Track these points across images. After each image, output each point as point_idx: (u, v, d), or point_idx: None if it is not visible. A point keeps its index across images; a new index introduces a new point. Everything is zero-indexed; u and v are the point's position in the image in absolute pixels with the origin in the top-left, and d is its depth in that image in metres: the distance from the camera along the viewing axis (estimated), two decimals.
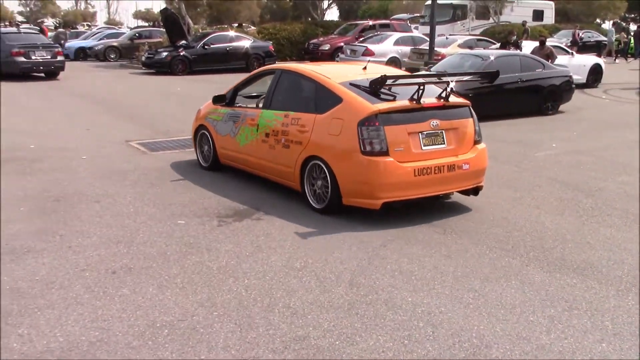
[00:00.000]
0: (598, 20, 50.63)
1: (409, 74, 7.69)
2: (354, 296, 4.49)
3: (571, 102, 14.46)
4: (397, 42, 23.88)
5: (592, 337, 3.94)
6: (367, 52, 22.94)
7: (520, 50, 17.74)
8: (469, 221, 6.28)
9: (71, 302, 4.30)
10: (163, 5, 30.98)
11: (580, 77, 18.56)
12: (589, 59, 20.47)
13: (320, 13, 48.03)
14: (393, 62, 23.09)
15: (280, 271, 4.93)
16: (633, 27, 48.99)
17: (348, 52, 24.03)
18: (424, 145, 6.27)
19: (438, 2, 20.53)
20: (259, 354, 3.69)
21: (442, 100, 6.52)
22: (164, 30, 26.24)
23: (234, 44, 24.20)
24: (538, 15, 35.87)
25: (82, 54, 31.40)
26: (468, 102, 6.92)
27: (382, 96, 6.35)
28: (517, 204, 6.96)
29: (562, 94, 13.99)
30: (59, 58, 21.37)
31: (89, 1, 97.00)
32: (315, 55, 26.86)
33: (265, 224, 6.10)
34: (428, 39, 20.82)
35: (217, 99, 8.19)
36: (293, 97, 7.26)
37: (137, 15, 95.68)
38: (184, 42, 23.77)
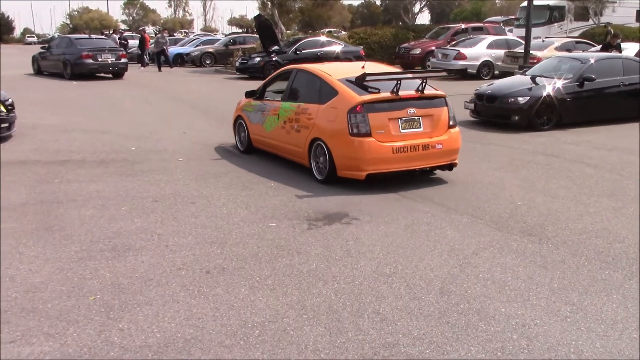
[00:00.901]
0: None
1: (391, 71, 8.83)
2: (445, 304, 4.41)
3: None
4: (490, 46, 23.30)
5: None
6: (459, 56, 22.58)
7: (621, 53, 16.93)
8: (566, 230, 6.04)
9: (168, 300, 4.46)
10: (257, 12, 31.64)
11: None
12: None
13: (411, 17, 47.69)
14: (486, 65, 22.62)
15: (370, 276, 4.92)
16: None
17: (439, 56, 23.71)
18: (402, 129, 7.64)
19: (534, 3, 19.87)
20: (348, 359, 3.69)
21: (418, 92, 7.82)
22: (257, 36, 26.80)
23: (325, 49, 24.40)
24: None
25: (179, 60, 32.60)
26: (443, 93, 8.14)
27: (370, 89, 7.75)
28: (619, 214, 6.62)
29: None
30: (123, 60, 24.08)
31: (186, 9, 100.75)
32: (406, 60, 26.65)
33: (355, 229, 6.10)
34: (523, 42, 20.24)
35: (249, 94, 9.98)
36: (304, 91, 8.71)
37: (232, 22, 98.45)
38: (276, 47, 24.19)
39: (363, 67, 8.49)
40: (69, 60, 23.20)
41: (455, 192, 7.49)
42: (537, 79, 12.50)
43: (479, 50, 23.08)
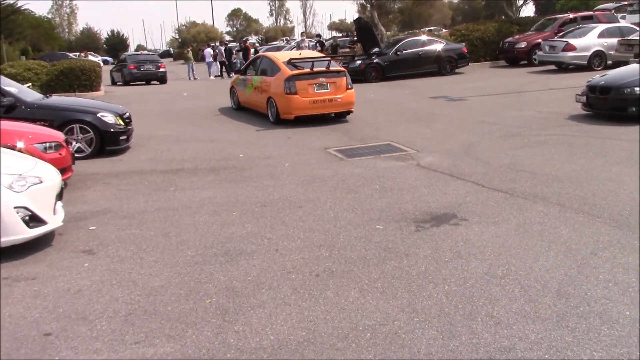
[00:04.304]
0: None
1: (311, 56, 14.52)
2: (563, 307, 4.22)
3: None
4: (601, 35, 22.08)
5: None
6: (568, 47, 21.59)
7: None
8: None
9: (280, 303, 4.55)
10: (356, 15, 31.80)
11: None
12: None
13: (515, 10, 46.18)
14: (597, 56, 21.50)
15: (482, 278, 4.80)
16: None
17: (547, 48, 22.78)
18: (317, 90, 13.18)
19: None
20: None
21: (326, 68, 13.39)
22: (357, 39, 26.88)
23: (426, 48, 24.05)
24: None
25: None
26: (343, 69, 14.21)
27: (298, 67, 13.34)
28: None
29: None
30: (161, 69, 31.12)
31: (287, 17, 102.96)
32: (511, 54, 25.82)
33: (464, 230, 5.97)
34: (638, 29, 19.08)
35: (237, 72, 18.01)
36: (265, 69, 14.51)
37: (332, 26, 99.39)
38: (377, 49, 24.15)
39: (300, 54, 15.25)
40: (123, 71, 31.05)
41: (569, 189, 7.17)
42: None
43: (590, 40, 21.94)
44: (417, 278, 4.88)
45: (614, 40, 21.34)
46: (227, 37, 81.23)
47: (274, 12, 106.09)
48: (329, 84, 13.21)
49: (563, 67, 22.29)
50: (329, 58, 14.46)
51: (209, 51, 35.07)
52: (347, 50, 29.96)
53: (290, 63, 13.46)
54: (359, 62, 23.80)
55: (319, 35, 41.11)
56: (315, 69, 13.23)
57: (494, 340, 3.83)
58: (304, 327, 4.15)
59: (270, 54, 15.80)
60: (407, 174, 8.40)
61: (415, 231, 6.02)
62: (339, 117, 13.95)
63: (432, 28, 47.84)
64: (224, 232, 6.27)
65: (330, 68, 13.46)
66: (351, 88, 13.54)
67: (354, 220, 6.49)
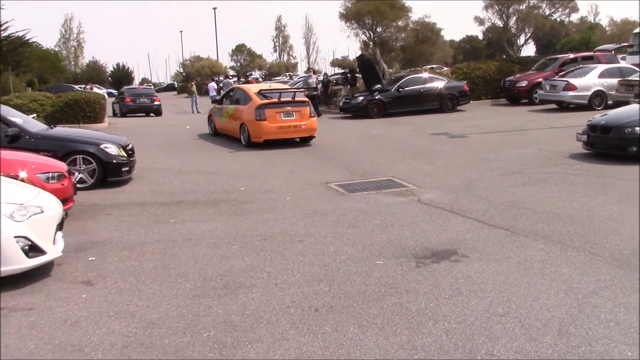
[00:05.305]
0: None
1: (278, 88, 17.46)
2: (564, 347, 4.18)
3: None
4: (602, 75, 22.27)
5: None
6: (569, 87, 21.76)
7: None
8: None
9: (278, 338, 4.50)
10: (359, 52, 32.18)
11: None
12: None
13: (516, 49, 46.76)
14: (598, 95, 21.66)
15: (482, 316, 4.76)
16: None
17: (547, 87, 22.95)
18: (283, 117, 15.44)
19: None
20: None
21: (292, 98, 15.80)
22: (360, 75, 27.13)
23: (428, 85, 24.26)
24: None
25: None
26: (307, 99, 16.60)
27: (267, 97, 15.68)
28: None
29: None
30: (156, 103, 32.51)
31: (291, 53, 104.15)
32: (512, 93, 26.02)
33: (464, 267, 5.95)
34: (638, 70, 19.25)
35: (214, 102, 20.57)
36: (239, 99, 16.85)
37: (334, 63, 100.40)
38: (379, 86, 24.36)
39: (270, 86, 18.38)
40: (120, 103, 32.97)
41: (570, 227, 7.16)
42: None
43: (590, 80, 22.12)
44: (416, 314, 4.84)
45: (614, 81, 21.50)
46: (231, 72, 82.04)
47: (277, 47, 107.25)
48: (295, 112, 15.59)
49: (564, 106, 22.44)
50: (294, 90, 17.65)
51: (212, 85, 35.44)
52: (341, 87, 30.19)
53: (261, 93, 15.91)
54: (361, 98, 24.00)
55: (312, 71, 42.38)
56: (282, 99, 15.65)
57: None
58: None
59: (243, 86, 19.00)
60: (408, 210, 8.40)
61: (416, 267, 6.00)
62: (304, 141, 16.33)
63: (434, 66, 48.27)
64: (223, 265, 6.24)
65: (296, 98, 15.94)
66: (314, 116, 16.08)
67: (354, 255, 6.47)
